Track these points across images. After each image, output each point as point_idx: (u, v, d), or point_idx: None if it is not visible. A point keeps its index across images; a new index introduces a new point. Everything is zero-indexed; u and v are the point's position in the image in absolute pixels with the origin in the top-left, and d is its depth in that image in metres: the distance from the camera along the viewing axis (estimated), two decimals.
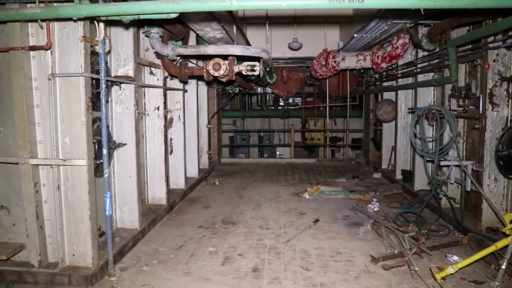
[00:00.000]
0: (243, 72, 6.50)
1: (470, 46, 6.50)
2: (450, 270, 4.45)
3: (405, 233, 5.84)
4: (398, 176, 10.04)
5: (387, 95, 11.44)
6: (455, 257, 5.19)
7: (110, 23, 5.38)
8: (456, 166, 6.45)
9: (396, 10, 6.38)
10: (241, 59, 6.67)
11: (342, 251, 5.59)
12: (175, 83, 8.49)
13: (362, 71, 12.69)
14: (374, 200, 7.99)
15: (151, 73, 7.28)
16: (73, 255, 4.81)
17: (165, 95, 7.50)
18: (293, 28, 11.60)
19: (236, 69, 6.38)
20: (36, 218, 4.75)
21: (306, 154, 18.75)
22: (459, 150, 6.52)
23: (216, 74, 6.38)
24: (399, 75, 9.98)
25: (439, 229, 6.37)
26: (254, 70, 6.54)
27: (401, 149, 10.14)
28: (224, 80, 6.73)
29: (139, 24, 6.28)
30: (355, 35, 8.82)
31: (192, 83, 9.86)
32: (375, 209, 7.40)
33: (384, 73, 11.20)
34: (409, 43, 8.97)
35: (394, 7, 3.70)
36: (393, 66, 10.21)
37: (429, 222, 6.64)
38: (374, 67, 10.35)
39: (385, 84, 11.35)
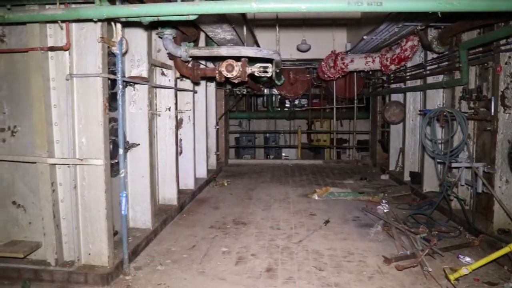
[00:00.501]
0: (256, 74, 6.54)
1: (481, 48, 6.53)
2: (464, 271, 4.47)
3: (416, 234, 5.86)
4: (406, 178, 10.06)
5: (395, 97, 11.46)
6: (468, 259, 5.21)
7: (125, 24, 5.42)
8: (467, 168, 6.47)
9: (408, 13, 6.42)
10: (252, 60, 6.71)
11: (354, 251, 5.62)
12: (185, 84, 8.54)
13: (370, 73, 12.73)
14: (383, 201, 8.03)
15: (163, 74, 7.33)
16: (89, 254, 4.85)
17: (176, 96, 7.55)
18: (301, 30, 11.64)
19: (249, 70, 6.42)
20: (53, 217, 4.80)
21: (311, 155, 18.77)
22: (470, 152, 6.54)
23: (229, 75, 6.42)
24: (408, 77, 10.01)
25: (449, 230, 6.39)
26: (266, 72, 6.58)
27: (409, 150, 10.16)
28: (236, 81, 6.78)
29: (153, 25, 6.32)
30: (364, 37, 8.86)
31: (201, 84, 9.91)
32: (385, 211, 7.44)
33: (392, 75, 11.24)
34: (418, 45, 9.00)
35: (413, 10, 3.74)
36: (402, 68, 10.24)
37: (440, 223, 6.65)
38: (383, 69, 10.38)
39: (393, 86, 11.38)
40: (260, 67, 6.55)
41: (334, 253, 5.55)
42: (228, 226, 6.76)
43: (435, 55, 8.38)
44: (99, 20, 4.41)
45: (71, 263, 4.88)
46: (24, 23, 4.60)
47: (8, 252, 4.79)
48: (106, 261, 4.80)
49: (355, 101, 14.57)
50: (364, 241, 6.05)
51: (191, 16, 4.13)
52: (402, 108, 10.62)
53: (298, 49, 11.71)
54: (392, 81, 11.44)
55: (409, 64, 9.93)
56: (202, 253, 5.60)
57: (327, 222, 6.88)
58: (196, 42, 7.43)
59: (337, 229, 6.60)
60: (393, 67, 9.94)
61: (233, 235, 6.32)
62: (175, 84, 7.54)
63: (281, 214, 7.52)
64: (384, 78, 12.15)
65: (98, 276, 4.63)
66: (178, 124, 8.36)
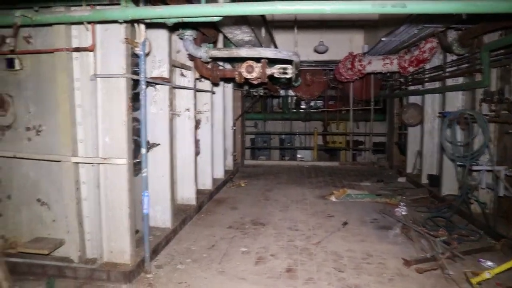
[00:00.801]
0: (275, 75, 6.55)
1: (503, 50, 6.47)
2: (486, 275, 4.45)
3: (435, 237, 5.83)
4: (424, 180, 9.99)
5: (412, 99, 11.38)
6: (489, 263, 5.17)
7: (147, 25, 5.48)
8: (488, 171, 6.42)
9: (429, 14, 6.38)
10: (270, 61, 6.73)
11: (373, 253, 5.60)
12: (203, 84, 8.59)
13: (388, 74, 12.66)
14: (401, 204, 7.98)
15: (182, 74, 7.39)
16: (111, 252, 4.92)
17: (195, 97, 7.61)
18: (318, 31, 11.63)
19: (268, 71, 6.44)
20: (76, 215, 4.88)
21: (327, 157, 18.72)
22: (491, 155, 6.48)
23: (249, 76, 6.45)
24: (426, 79, 9.94)
25: (469, 234, 6.33)
26: (286, 73, 6.59)
27: (427, 153, 10.09)
28: (255, 82, 6.80)
29: (173, 26, 6.38)
30: (383, 39, 8.82)
31: (219, 85, 9.95)
32: (403, 213, 7.40)
33: (410, 77, 11.18)
34: (437, 47, 8.94)
35: (437, 12, 3.73)
36: (420, 70, 10.18)
37: (459, 227, 6.59)
38: (401, 71, 10.33)
39: (411, 88, 11.31)
40: (280, 68, 6.56)
41: (353, 255, 5.55)
42: (246, 227, 6.79)
43: (454, 57, 8.32)
44: (124, 22, 4.47)
45: (93, 261, 4.94)
46: (50, 25, 4.67)
47: (33, 249, 4.89)
48: (128, 259, 4.86)
49: (372, 103, 14.52)
50: (383, 243, 6.03)
51: (215, 17, 4.17)
52: (420, 110, 10.55)
53: (315, 51, 11.71)
54: (410, 83, 11.37)
55: (427, 66, 9.87)
56: (221, 252, 5.64)
57: (345, 223, 6.88)
58: (215, 43, 7.48)
59: (355, 231, 6.59)
60: (411, 69, 9.89)
61: (251, 236, 6.34)
62: (194, 85, 7.59)
63: (298, 215, 7.52)
64: (402, 80, 12.08)
65: (120, 274, 4.69)
66: (196, 124, 8.41)
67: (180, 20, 4.28)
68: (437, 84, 9.48)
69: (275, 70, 6.54)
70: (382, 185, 10.47)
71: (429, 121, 10.08)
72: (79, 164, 4.89)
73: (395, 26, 7.72)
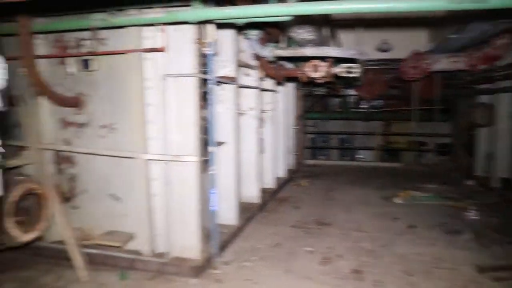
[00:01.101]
0: (341, 74, 6.49)
1: None
2: None
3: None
4: (496, 184, 9.50)
5: (481, 98, 10.85)
6: None
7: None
8: None
9: (507, 9, 6.05)
10: (335, 60, 6.67)
11: (444, 258, 5.40)
12: (266, 84, 8.63)
13: (454, 73, 12.16)
14: (471, 208, 7.64)
15: (246, 74, 7.45)
16: (180, 247, 5.05)
17: (259, 96, 7.66)
18: (381, 29, 11.37)
19: (334, 71, 6.38)
20: (147, 210, 5.06)
21: (388, 158, 18.25)
22: None
23: (315, 75, 6.43)
24: (499, 77, 9.45)
25: None
26: (351, 72, 6.51)
27: (500, 155, 9.59)
28: (321, 81, 6.75)
29: (240, 26, 6.45)
30: (451, 36, 8.48)
31: (282, 84, 9.95)
32: (474, 217, 7.08)
33: (479, 76, 10.66)
34: (511, 43, 8.48)
35: None
36: (491, 67, 9.69)
37: None
38: (470, 69, 9.88)
39: (481, 87, 10.80)
40: (345, 67, 6.49)
41: (423, 259, 5.37)
42: (310, 226, 6.75)
43: None
44: (199, 22, 4.56)
45: (163, 255, 5.10)
46: (123, 27, 4.85)
47: (107, 241, 5.13)
48: (197, 255, 4.97)
49: (436, 103, 14.00)
50: (453, 248, 5.79)
51: (285, 17, 4.17)
52: (491, 110, 10.04)
53: (378, 49, 11.45)
54: (480, 81, 10.86)
55: (500, 63, 9.38)
56: (286, 251, 5.65)
57: (412, 226, 6.68)
58: (277, 42, 7.50)
59: (423, 234, 6.38)
60: (481, 66, 9.44)
61: (316, 235, 6.30)
62: (259, 84, 7.64)
63: (362, 216, 7.38)
64: (470, 78, 11.55)
65: (189, 269, 4.81)
66: (260, 123, 8.47)
67: (250, 20, 4.32)
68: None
69: (340, 69, 6.48)
70: (449, 188, 10.07)
71: (502, 121, 9.58)
72: (151, 161, 5.06)
73: (467, 22, 7.39)
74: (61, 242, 5.19)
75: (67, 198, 5.48)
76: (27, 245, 5.02)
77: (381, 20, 11.27)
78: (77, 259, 4.90)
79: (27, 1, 3.15)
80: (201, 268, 4.88)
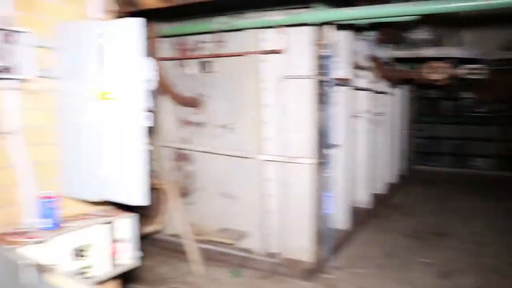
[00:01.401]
0: (463, 76, 6.08)
1: None
2: None
3: None
4: None
5: None
6: None
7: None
8: None
9: None
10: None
11: None
12: (379, 86, 8.35)
13: None
14: None
15: (359, 76, 7.27)
16: (292, 248, 5.07)
17: (372, 98, 7.44)
18: (502, 27, 10.43)
19: (456, 72, 5.99)
20: (261, 210, 5.14)
21: (508, 166, 16.73)
22: None
23: (433, 77, 6.09)
24: None
25: None
26: (474, 74, 6.08)
27: None
28: (440, 84, 6.39)
29: (357, 27, 6.32)
30: None
31: (395, 86, 9.59)
32: None
33: None
34: None
35: None
36: None
37: None
38: None
39: None
40: (468, 69, 6.07)
41: None
42: (425, 236, 6.40)
43: None
44: (314, 24, 4.53)
45: (274, 255, 5.15)
46: (242, 29, 4.98)
47: (220, 238, 5.31)
48: (310, 258, 4.95)
49: None
50: None
51: (410, 17, 3.98)
52: None
53: (502, 48, 10.54)
54: None
55: None
56: (400, 261, 5.41)
57: None
58: (394, 43, 7.23)
59: None
60: None
61: (432, 246, 5.96)
62: (372, 87, 7.43)
63: (484, 229, 6.81)
64: None
65: (301, 271, 4.81)
66: (373, 126, 8.23)
67: (373, 21, 4.20)
68: None
69: (463, 71, 6.06)
70: None
71: None
72: (267, 161, 5.13)
73: None
74: (176, 235, 5.46)
75: (183, 194, 5.77)
76: (145, 237, 5.35)
77: (506, 16, 10.37)
78: (193, 253, 5.12)
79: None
80: (313, 271, 4.84)
